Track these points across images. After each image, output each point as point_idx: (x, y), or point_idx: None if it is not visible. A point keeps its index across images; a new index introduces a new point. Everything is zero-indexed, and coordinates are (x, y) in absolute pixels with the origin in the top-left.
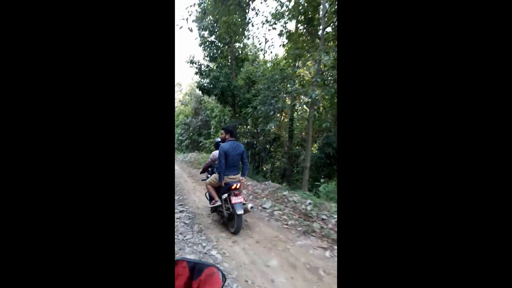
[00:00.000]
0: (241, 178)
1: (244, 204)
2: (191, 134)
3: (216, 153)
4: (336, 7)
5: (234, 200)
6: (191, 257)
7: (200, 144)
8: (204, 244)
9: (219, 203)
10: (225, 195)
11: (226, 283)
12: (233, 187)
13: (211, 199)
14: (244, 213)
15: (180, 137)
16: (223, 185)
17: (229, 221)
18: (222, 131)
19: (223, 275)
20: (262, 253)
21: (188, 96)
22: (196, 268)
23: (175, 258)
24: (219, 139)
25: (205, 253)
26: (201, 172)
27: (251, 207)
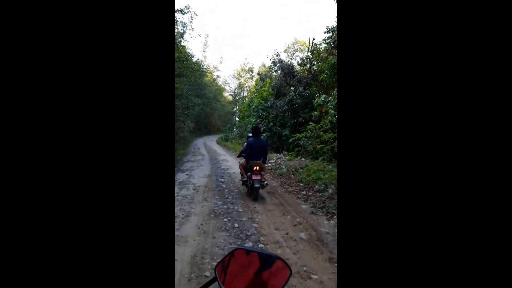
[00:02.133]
0: (261, 163)
1: (262, 181)
2: (271, 124)
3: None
4: None
5: (254, 177)
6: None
7: (287, 140)
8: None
9: (245, 178)
10: (249, 173)
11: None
12: (254, 168)
13: (242, 175)
14: (262, 188)
15: None
16: (248, 166)
17: (251, 191)
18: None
19: (289, 268)
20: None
21: (271, 68)
22: (267, 260)
23: (247, 248)
24: (250, 134)
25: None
26: (238, 156)
27: (266, 183)
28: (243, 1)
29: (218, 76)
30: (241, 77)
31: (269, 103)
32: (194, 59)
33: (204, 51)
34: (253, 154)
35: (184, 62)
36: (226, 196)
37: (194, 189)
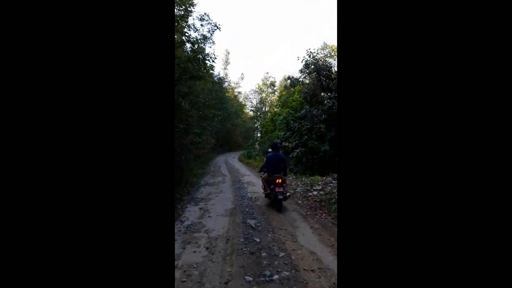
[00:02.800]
0: (283, 176)
1: (284, 193)
2: (305, 138)
3: None
4: None
5: (276, 189)
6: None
7: (326, 157)
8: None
9: (268, 191)
10: (272, 186)
11: None
12: (276, 181)
13: (264, 189)
14: (284, 200)
15: (284, 143)
16: (270, 179)
17: (274, 203)
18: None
19: None
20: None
21: (302, 71)
22: None
23: None
24: (270, 150)
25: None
26: (259, 171)
27: (288, 195)
28: (241, 1)
29: (239, 93)
30: (263, 91)
31: (302, 112)
32: (215, 74)
33: (225, 68)
34: (273, 168)
35: (200, 63)
36: (267, 273)
37: (207, 248)
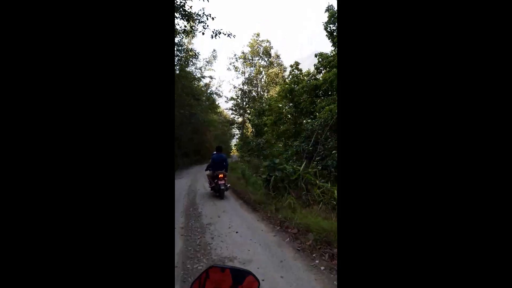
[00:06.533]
0: (224, 172)
1: (225, 185)
2: None
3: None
4: None
5: (219, 182)
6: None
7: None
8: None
9: (213, 184)
10: (216, 180)
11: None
12: (219, 176)
13: (210, 183)
14: (226, 190)
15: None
16: (215, 175)
17: (217, 193)
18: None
19: (258, 281)
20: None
21: None
22: (238, 276)
23: (220, 265)
24: (215, 152)
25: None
26: (206, 170)
27: (229, 186)
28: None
29: (211, 78)
30: (251, 64)
31: None
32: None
33: (189, 42)
34: (217, 166)
35: None
36: None
37: None
